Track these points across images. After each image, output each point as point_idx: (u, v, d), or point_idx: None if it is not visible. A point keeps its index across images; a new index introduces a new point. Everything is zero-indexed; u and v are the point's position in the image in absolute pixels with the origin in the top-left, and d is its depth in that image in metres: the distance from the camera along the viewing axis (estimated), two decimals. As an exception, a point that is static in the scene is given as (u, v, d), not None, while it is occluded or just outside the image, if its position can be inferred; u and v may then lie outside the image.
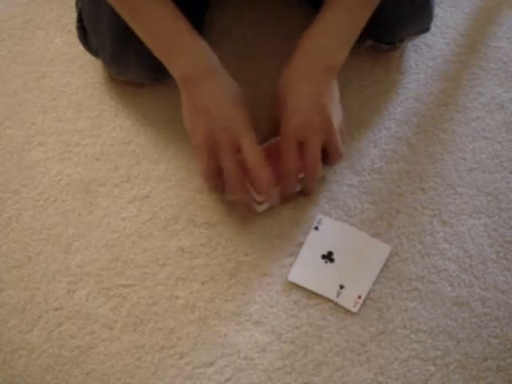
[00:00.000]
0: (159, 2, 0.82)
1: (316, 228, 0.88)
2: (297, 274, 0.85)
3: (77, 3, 0.98)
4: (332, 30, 0.83)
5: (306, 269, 0.85)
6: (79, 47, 1.01)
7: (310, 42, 0.83)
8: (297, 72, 0.84)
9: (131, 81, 0.99)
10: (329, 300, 0.83)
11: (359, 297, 0.83)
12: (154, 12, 0.82)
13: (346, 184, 0.92)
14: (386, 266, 0.86)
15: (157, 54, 0.84)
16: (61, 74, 1.04)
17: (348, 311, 0.83)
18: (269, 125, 0.89)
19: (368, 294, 0.84)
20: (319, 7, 1.03)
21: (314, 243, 0.87)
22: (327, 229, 0.88)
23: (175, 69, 0.84)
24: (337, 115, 0.85)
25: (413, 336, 0.81)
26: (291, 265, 0.86)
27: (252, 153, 0.81)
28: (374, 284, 0.84)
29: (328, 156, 0.86)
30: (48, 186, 0.94)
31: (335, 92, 0.86)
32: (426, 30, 0.99)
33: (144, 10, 0.82)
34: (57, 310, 0.84)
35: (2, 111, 1.01)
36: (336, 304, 0.83)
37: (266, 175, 0.81)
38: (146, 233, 0.89)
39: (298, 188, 0.88)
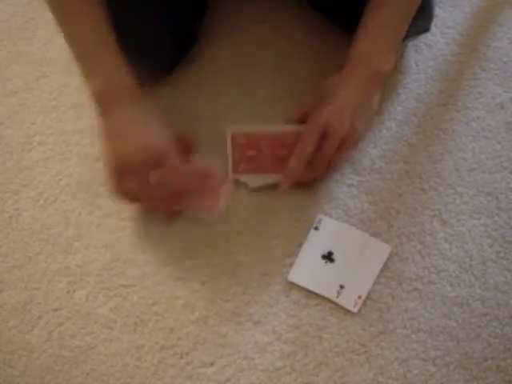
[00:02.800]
0: (92, 14, 0.80)
1: (316, 228, 0.88)
2: (297, 274, 0.85)
3: (76, 3, 0.97)
4: (378, 36, 0.85)
5: (306, 269, 0.85)
6: (79, 47, 1.01)
7: (357, 52, 0.86)
8: (344, 76, 0.86)
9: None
10: (329, 300, 0.83)
11: (359, 297, 0.83)
12: (84, 22, 0.80)
13: (345, 184, 0.92)
14: (385, 265, 0.86)
15: (77, 63, 0.82)
16: (61, 74, 1.04)
17: (348, 311, 0.83)
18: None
19: (368, 294, 0.84)
20: (319, 8, 1.04)
21: (314, 243, 0.87)
22: (327, 229, 0.88)
23: (90, 84, 0.82)
24: (363, 127, 0.87)
25: (413, 336, 0.81)
26: (291, 265, 0.86)
27: (170, 171, 0.81)
28: (374, 284, 0.84)
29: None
30: (48, 186, 0.94)
31: (374, 104, 0.89)
32: (426, 30, 0.99)
33: (75, 18, 0.80)
34: (57, 310, 0.84)
35: (2, 111, 1.01)
36: (336, 304, 0.83)
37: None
38: (145, 233, 0.89)
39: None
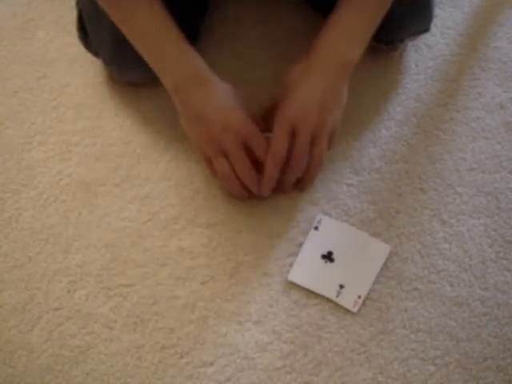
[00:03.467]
0: (151, 9, 0.82)
1: (316, 228, 0.88)
2: (297, 274, 0.85)
3: (77, 3, 0.98)
4: (346, 29, 0.84)
5: (305, 269, 0.85)
6: (79, 47, 1.01)
7: (323, 39, 0.84)
8: (308, 66, 0.84)
9: (131, 81, 0.99)
10: (329, 300, 0.83)
11: (359, 297, 0.83)
12: (144, 19, 0.82)
13: (345, 184, 0.92)
14: (385, 265, 0.86)
15: (147, 62, 0.85)
16: (61, 74, 1.04)
17: (348, 311, 0.83)
18: (264, 116, 0.90)
19: (368, 293, 0.84)
20: (319, 8, 1.04)
21: (314, 243, 0.87)
22: (327, 229, 0.88)
23: (166, 80, 0.84)
24: (334, 118, 0.85)
25: (412, 336, 0.82)
26: (291, 265, 0.86)
27: (257, 144, 0.83)
28: (373, 284, 0.84)
29: (309, 162, 0.86)
30: (48, 186, 0.94)
31: (343, 95, 0.86)
32: (426, 30, 0.99)
33: (135, 17, 0.82)
34: (57, 309, 0.84)
35: (2, 111, 1.01)
36: (336, 304, 0.83)
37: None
38: (145, 233, 0.89)
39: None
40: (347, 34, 0.84)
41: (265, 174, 0.85)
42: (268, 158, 0.84)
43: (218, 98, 0.83)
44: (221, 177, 0.85)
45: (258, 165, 0.85)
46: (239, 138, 0.82)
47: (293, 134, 0.83)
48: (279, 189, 0.88)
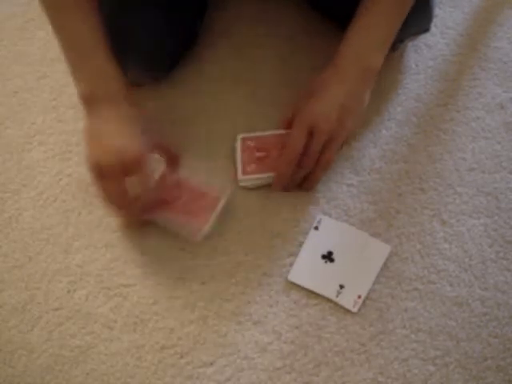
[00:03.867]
0: (85, 19, 0.81)
1: (316, 228, 0.88)
2: (297, 274, 0.85)
3: (77, 3, 0.97)
4: (368, 34, 0.85)
5: (306, 269, 0.85)
6: (79, 47, 1.01)
7: (347, 46, 0.86)
8: (333, 73, 0.86)
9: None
10: (329, 300, 0.83)
11: (359, 297, 0.83)
12: (77, 27, 0.81)
13: (345, 184, 0.92)
14: (385, 265, 0.86)
15: (68, 66, 0.83)
16: (61, 74, 1.04)
17: (348, 311, 0.83)
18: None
19: (368, 293, 0.84)
20: (318, 8, 1.04)
21: (314, 243, 0.87)
22: (327, 229, 0.88)
23: (79, 87, 0.83)
24: (353, 123, 0.87)
25: (412, 336, 0.82)
26: (291, 265, 0.86)
27: (141, 181, 0.81)
28: (373, 284, 0.84)
29: (317, 162, 0.87)
30: (48, 186, 0.94)
31: (364, 101, 0.88)
32: (426, 30, 0.99)
33: (69, 23, 0.82)
34: (57, 309, 0.84)
35: (2, 111, 1.01)
36: (336, 304, 0.83)
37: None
38: (146, 232, 0.89)
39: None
40: (370, 40, 0.85)
41: (278, 170, 0.86)
42: (283, 154, 0.85)
43: (120, 121, 0.82)
44: (104, 198, 0.83)
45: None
46: (122, 165, 0.79)
47: (310, 134, 0.84)
48: (285, 187, 0.89)
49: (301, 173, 0.88)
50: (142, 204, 0.83)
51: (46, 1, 0.82)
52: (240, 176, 0.91)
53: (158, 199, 0.85)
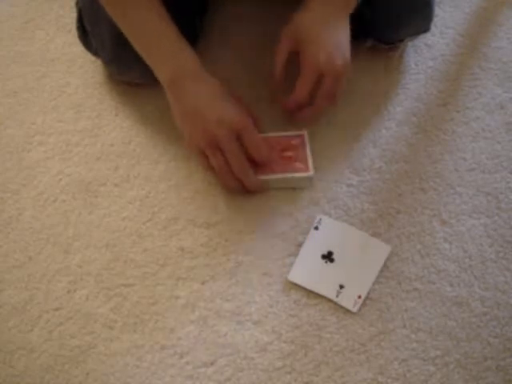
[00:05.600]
0: (149, 6, 0.84)
1: (316, 228, 0.88)
2: (297, 274, 0.85)
3: (77, 3, 0.98)
4: None
5: (305, 269, 0.85)
6: (79, 47, 1.02)
7: None
8: (313, 14, 0.87)
9: (131, 81, 0.99)
10: (329, 300, 0.83)
11: (359, 297, 0.83)
12: (142, 15, 0.84)
13: (345, 184, 0.92)
14: (385, 265, 0.86)
15: (143, 57, 0.86)
16: (61, 74, 1.04)
17: (348, 311, 0.83)
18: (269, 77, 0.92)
19: (368, 293, 0.84)
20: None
21: (314, 243, 0.87)
22: (327, 229, 0.88)
23: (161, 74, 0.86)
24: (348, 58, 0.87)
25: (413, 336, 0.82)
26: (291, 265, 0.86)
27: (250, 139, 0.84)
28: (373, 284, 0.84)
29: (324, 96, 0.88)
30: (48, 186, 0.94)
31: (348, 31, 0.88)
32: (426, 30, 0.99)
33: (133, 13, 0.84)
34: (57, 309, 0.84)
35: (2, 111, 1.01)
36: (336, 304, 0.83)
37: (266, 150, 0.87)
38: (145, 233, 0.89)
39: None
40: None
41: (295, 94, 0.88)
42: (291, 97, 0.88)
43: (212, 93, 0.85)
44: (217, 170, 0.86)
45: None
46: (233, 131, 0.83)
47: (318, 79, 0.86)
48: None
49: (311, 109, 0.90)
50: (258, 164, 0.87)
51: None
52: None
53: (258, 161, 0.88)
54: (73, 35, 1.04)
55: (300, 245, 0.87)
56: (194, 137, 0.85)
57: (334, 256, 0.86)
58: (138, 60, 0.88)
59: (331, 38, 0.86)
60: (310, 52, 0.85)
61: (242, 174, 0.86)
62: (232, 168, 0.85)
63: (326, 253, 0.86)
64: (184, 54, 0.85)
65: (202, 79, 0.86)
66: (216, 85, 0.86)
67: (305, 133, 0.93)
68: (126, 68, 0.95)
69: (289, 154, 0.92)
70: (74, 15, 0.99)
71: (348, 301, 0.83)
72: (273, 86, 0.91)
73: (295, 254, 0.86)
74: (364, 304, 0.83)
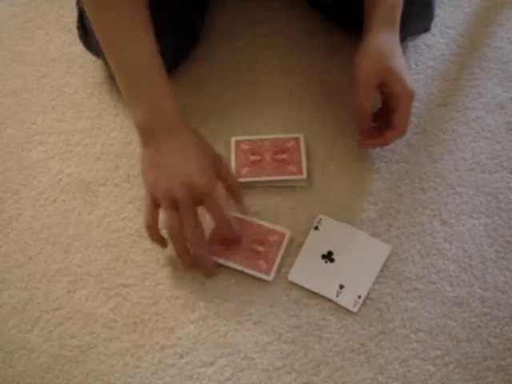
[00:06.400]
0: (143, 45, 0.79)
1: (316, 228, 0.88)
2: (297, 274, 0.85)
3: (77, 3, 0.98)
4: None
5: (305, 269, 0.85)
6: (79, 47, 1.02)
7: (377, 14, 0.86)
8: (385, 42, 0.86)
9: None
10: (329, 300, 0.83)
11: (359, 297, 0.83)
12: (133, 54, 0.79)
13: (346, 184, 0.92)
14: (385, 265, 0.86)
15: (123, 93, 0.82)
16: (61, 74, 1.04)
17: (348, 311, 0.83)
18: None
19: (368, 293, 0.84)
20: (317, 7, 1.04)
21: (314, 243, 0.87)
22: (327, 229, 0.88)
23: (135, 116, 0.81)
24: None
25: (413, 336, 0.81)
26: (291, 265, 0.86)
27: (213, 207, 0.79)
28: (373, 284, 0.84)
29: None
30: (48, 186, 0.94)
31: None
32: (427, 29, 0.99)
33: (125, 47, 0.80)
34: (57, 309, 0.84)
35: (2, 111, 1.01)
36: (336, 304, 0.83)
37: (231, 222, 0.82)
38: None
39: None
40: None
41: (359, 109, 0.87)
42: (391, 134, 0.87)
43: (185, 149, 0.80)
44: (168, 230, 0.80)
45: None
46: (195, 195, 0.78)
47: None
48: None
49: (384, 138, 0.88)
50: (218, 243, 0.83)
51: (100, 23, 0.80)
52: None
53: (222, 240, 0.85)
54: (73, 35, 1.04)
55: (300, 245, 0.87)
56: (155, 189, 0.79)
57: (334, 256, 0.86)
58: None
59: (405, 63, 0.86)
60: (400, 83, 0.84)
61: (195, 243, 0.80)
62: (185, 234, 0.80)
63: (326, 253, 0.86)
64: (164, 100, 0.80)
65: (177, 132, 0.80)
66: (190, 140, 0.81)
67: (301, 136, 0.93)
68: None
69: (283, 156, 0.92)
70: (74, 15, 0.99)
71: (348, 301, 0.83)
72: (362, 124, 0.88)
73: (295, 254, 0.86)
74: (364, 304, 0.83)
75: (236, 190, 0.86)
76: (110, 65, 0.82)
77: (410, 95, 0.84)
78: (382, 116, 0.88)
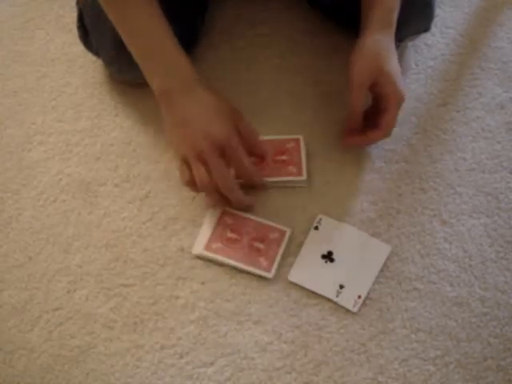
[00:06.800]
0: (150, 11, 0.83)
1: (316, 228, 0.88)
2: (297, 274, 0.85)
3: (77, 2, 0.98)
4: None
5: (305, 269, 0.85)
6: (79, 47, 1.02)
7: (375, 15, 0.87)
8: (379, 42, 0.86)
9: (132, 80, 0.99)
10: (329, 300, 0.83)
11: (359, 297, 0.83)
12: (142, 20, 0.83)
13: (346, 184, 0.92)
14: (385, 265, 0.86)
15: (138, 62, 0.85)
16: (61, 74, 1.04)
17: (348, 311, 0.83)
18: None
19: (368, 293, 0.84)
20: (317, 6, 1.04)
21: (314, 243, 0.87)
22: (327, 229, 0.88)
23: (152, 82, 0.85)
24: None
25: (413, 336, 0.81)
26: (291, 265, 0.86)
27: (234, 156, 0.82)
28: (373, 284, 0.84)
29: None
30: (48, 186, 0.94)
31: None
32: (427, 29, 0.99)
33: (133, 17, 0.83)
34: (57, 309, 0.84)
35: (2, 111, 1.01)
36: (336, 304, 0.83)
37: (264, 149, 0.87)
38: (145, 233, 0.89)
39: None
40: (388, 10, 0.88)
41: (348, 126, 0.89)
42: (375, 134, 0.88)
43: (202, 105, 0.83)
44: (198, 183, 0.83)
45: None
46: (217, 146, 0.81)
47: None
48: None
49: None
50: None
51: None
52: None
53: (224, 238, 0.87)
54: (73, 35, 1.04)
55: (300, 245, 0.87)
56: (181, 148, 0.83)
57: (334, 256, 0.86)
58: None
59: (398, 66, 0.86)
60: (392, 84, 0.85)
61: (226, 190, 0.83)
62: (215, 183, 0.82)
63: (325, 253, 0.86)
64: (177, 62, 0.84)
65: (193, 90, 0.84)
66: (207, 97, 0.84)
67: (300, 137, 0.93)
68: (127, 67, 0.95)
69: (283, 157, 0.92)
70: (74, 15, 0.99)
71: (348, 301, 0.83)
72: (352, 123, 0.89)
73: (295, 254, 0.86)
74: (364, 304, 0.83)
75: (256, 144, 0.87)
76: (123, 39, 0.85)
77: (400, 98, 0.85)
78: (369, 116, 0.88)
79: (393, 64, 0.86)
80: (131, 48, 0.85)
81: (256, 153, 0.87)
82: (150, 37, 0.84)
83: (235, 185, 0.85)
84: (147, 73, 0.85)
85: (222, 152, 0.81)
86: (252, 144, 0.86)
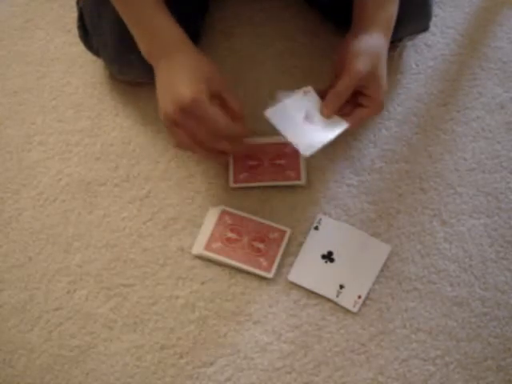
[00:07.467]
0: None
1: (316, 228, 0.88)
2: (297, 274, 0.85)
3: (77, 2, 0.98)
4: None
5: (306, 269, 0.85)
6: (80, 47, 1.01)
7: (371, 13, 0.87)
8: (371, 40, 0.85)
9: (132, 80, 0.99)
10: (329, 300, 0.83)
11: (359, 297, 0.83)
12: None
13: (345, 184, 0.92)
14: (385, 265, 0.86)
15: (128, 26, 0.85)
16: (61, 74, 1.04)
17: (348, 311, 0.83)
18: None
19: (368, 293, 0.84)
20: (316, 6, 1.04)
21: (314, 243, 0.87)
22: (327, 229, 0.88)
23: (140, 46, 0.85)
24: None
25: (413, 336, 0.81)
26: (291, 265, 0.86)
27: (230, 95, 0.83)
28: (373, 284, 0.84)
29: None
30: (48, 186, 0.94)
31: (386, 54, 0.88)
32: (425, 29, 0.98)
33: None
34: (57, 309, 0.84)
35: (2, 111, 1.01)
36: (336, 304, 0.83)
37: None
38: (146, 233, 0.89)
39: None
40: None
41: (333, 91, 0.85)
42: (330, 94, 0.84)
43: (178, 69, 0.83)
44: (181, 146, 0.85)
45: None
46: (185, 109, 0.80)
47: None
48: None
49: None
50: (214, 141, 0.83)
51: None
52: (231, 184, 0.91)
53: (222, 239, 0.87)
54: (73, 35, 1.04)
55: (300, 245, 0.87)
56: (159, 110, 0.83)
57: (334, 256, 0.86)
58: (139, 59, 0.88)
59: (384, 67, 0.86)
60: (378, 91, 0.85)
61: (209, 146, 0.83)
62: (197, 141, 0.82)
63: (326, 253, 0.86)
64: (161, 24, 0.84)
65: (176, 54, 0.84)
66: (186, 61, 0.83)
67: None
68: (127, 67, 0.95)
69: (281, 161, 0.92)
70: (74, 15, 0.99)
71: (348, 301, 0.83)
72: (331, 106, 0.86)
73: (295, 254, 0.86)
74: (364, 304, 0.83)
75: (235, 108, 0.85)
76: (116, 8, 0.85)
77: (381, 107, 0.86)
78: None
79: (384, 69, 0.86)
80: (123, 17, 0.85)
81: (230, 111, 0.85)
82: (140, 5, 0.84)
83: (215, 137, 0.82)
84: (137, 39, 0.86)
85: (192, 113, 0.80)
86: (230, 109, 0.84)
